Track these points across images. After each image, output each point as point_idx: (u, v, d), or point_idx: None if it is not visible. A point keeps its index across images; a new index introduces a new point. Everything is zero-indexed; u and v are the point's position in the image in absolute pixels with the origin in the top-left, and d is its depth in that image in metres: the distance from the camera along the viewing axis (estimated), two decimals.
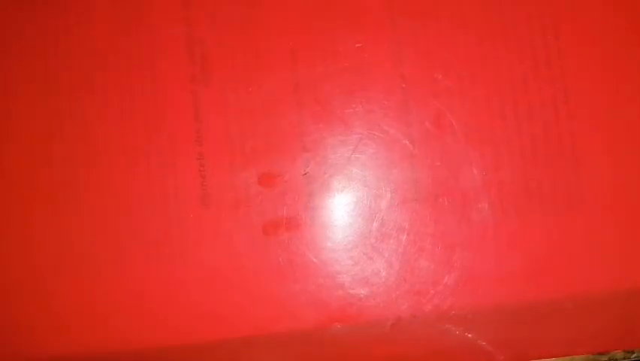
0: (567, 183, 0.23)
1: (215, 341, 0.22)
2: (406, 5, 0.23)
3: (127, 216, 0.23)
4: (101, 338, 0.22)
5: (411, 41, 0.23)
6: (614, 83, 0.23)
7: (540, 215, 0.22)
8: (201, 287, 0.22)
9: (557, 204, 0.23)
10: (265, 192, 0.23)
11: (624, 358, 0.23)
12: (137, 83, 0.23)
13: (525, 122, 0.23)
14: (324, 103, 0.23)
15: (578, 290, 0.22)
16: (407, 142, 0.23)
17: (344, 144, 0.23)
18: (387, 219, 0.23)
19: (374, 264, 0.23)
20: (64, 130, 0.23)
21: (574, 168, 0.23)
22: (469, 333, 0.22)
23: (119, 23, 0.23)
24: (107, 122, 0.23)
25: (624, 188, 0.23)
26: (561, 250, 0.22)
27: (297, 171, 0.23)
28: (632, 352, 0.22)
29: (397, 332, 0.22)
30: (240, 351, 0.22)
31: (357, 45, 0.23)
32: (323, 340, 0.22)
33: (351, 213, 0.23)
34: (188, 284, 0.22)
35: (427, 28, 0.23)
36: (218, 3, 0.23)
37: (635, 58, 0.23)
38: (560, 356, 0.22)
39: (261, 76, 0.23)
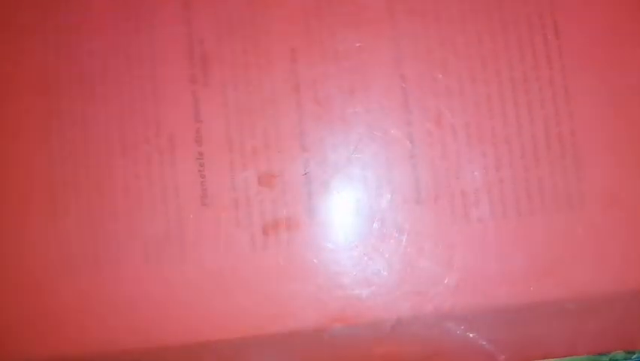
0: (568, 183, 0.23)
1: (215, 341, 0.22)
2: (406, 5, 0.23)
3: (126, 216, 0.23)
4: (100, 338, 0.22)
5: (411, 41, 0.23)
6: (615, 82, 0.23)
7: (541, 215, 0.22)
8: (201, 287, 0.22)
9: (558, 205, 0.22)
10: (265, 192, 0.23)
11: (625, 358, 0.22)
12: (137, 83, 0.23)
13: (526, 121, 0.23)
14: (324, 103, 0.23)
15: (579, 290, 0.22)
16: (407, 142, 0.23)
17: (344, 144, 0.23)
18: (388, 220, 0.23)
19: (374, 264, 0.23)
20: (64, 130, 0.23)
21: (575, 168, 0.23)
22: (469, 333, 0.22)
23: (119, 23, 0.23)
24: (106, 122, 0.23)
25: (625, 188, 0.23)
26: (562, 251, 0.22)
27: (297, 171, 0.23)
28: (633, 352, 0.22)
29: (398, 332, 0.22)
30: (240, 351, 0.22)
31: (357, 45, 0.23)
32: (323, 340, 0.22)
33: (351, 213, 0.23)
34: (187, 284, 0.22)
35: (427, 28, 0.23)
36: (218, 3, 0.23)
37: (637, 56, 0.23)
38: (561, 357, 0.22)
39: (261, 76, 0.23)
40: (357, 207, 0.23)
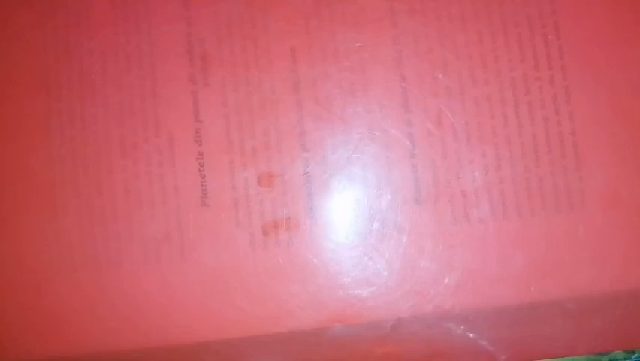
0: (568, 183, 0.23)
1: (215, 341, 0.22)
2: (406, 4, 0.23)
3: (126, 215, 0.23)
4: (100, 338, 0.22)
5: (411, 41, 0.23)
6: (615, 82, 0.23)
7: (541, 215, 0.22)
8: (201, 287, 0.22)
9: (558, 205, 0.22)
10: (265, 192, 0.23)
11: (625, 358, 0.22)
12: (136, 83, 0.23)
13: (526, 121, 0.23)
14: (324, 103, 0.23)
15: (579, 290, 0.22)
16: (407, 142, 0.23)
17: (344, 144, 0.23)
18: (388, 220, 0.23)
19: (374, 264, 0.23)
20: (63, 130, 0.23)
21: (575, 168, 0.23)
22: (469, 333, 0.22)
23: (119, 23, 0.23)
24: (106, 122, 0.23)
25: (626, 188, 0.23)
26: (562, 251, 0.22)
27: (297, 171, 0.23)
28: (633, 352, 0.22)
29: (398, 332, 0.22)
30: (240, 351, 0.22)
31: (357, 45, 0.23)
32: (323, 340, 0.22)
33: (351, 213, 0.23)
34: (187, 284, 0.22)
35: (427, 28, 0.23)
36: (218, 3, 0.23)
37: (637, 56, 0.23)
38: (561, 357, 0.22)
39: (261, 76, 0.23)
40: (358, 208, 0.23)
